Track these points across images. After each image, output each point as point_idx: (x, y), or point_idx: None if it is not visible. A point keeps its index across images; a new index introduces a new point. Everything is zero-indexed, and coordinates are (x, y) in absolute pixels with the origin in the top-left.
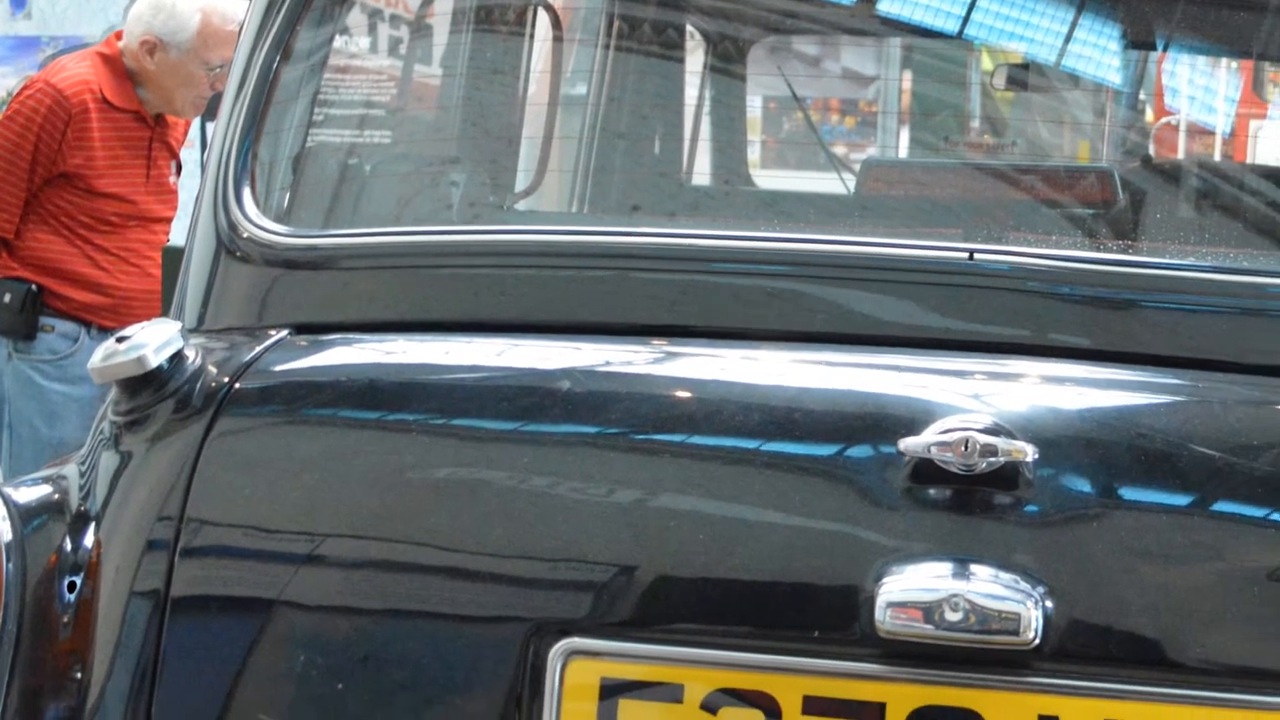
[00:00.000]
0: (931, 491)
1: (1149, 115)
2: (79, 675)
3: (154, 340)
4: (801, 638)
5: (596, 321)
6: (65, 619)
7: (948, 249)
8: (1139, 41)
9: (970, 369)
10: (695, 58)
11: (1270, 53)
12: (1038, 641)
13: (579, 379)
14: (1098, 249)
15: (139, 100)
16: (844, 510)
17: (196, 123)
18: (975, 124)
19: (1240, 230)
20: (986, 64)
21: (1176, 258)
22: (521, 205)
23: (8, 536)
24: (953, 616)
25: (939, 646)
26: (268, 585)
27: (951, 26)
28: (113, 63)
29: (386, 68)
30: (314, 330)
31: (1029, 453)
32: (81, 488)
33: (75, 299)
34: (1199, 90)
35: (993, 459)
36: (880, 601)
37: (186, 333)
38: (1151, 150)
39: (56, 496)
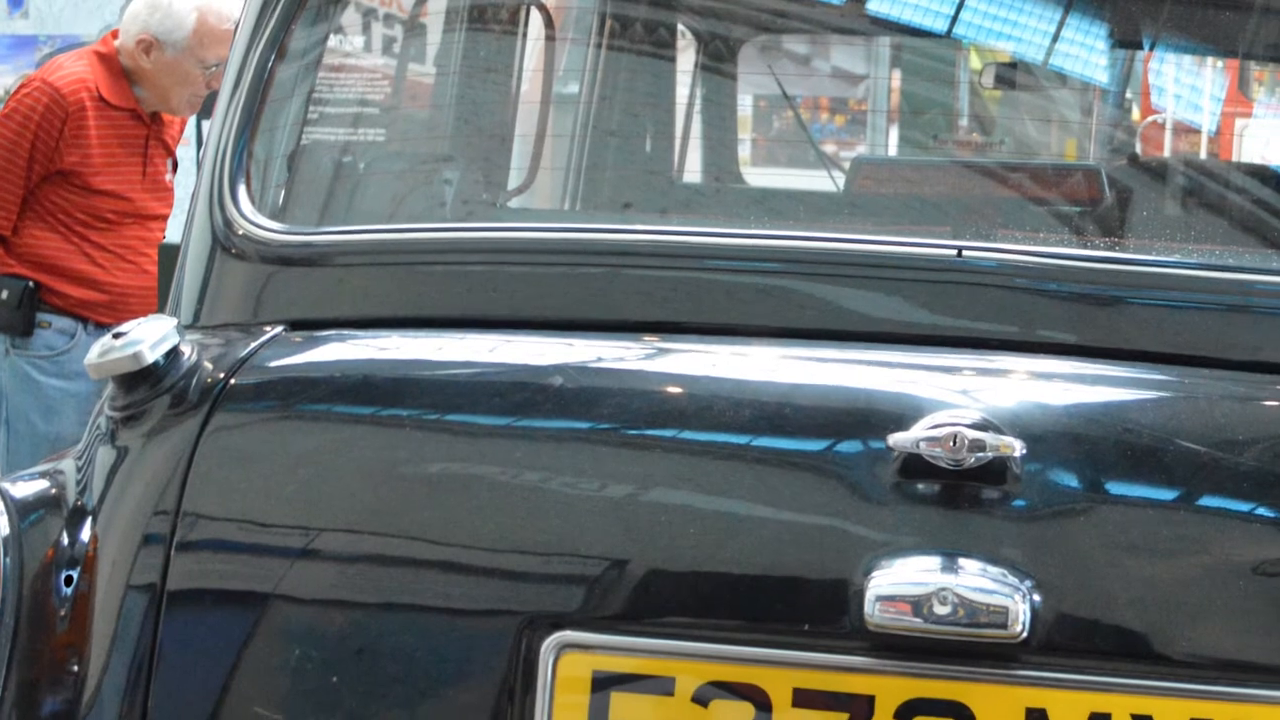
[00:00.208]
0: (920, 486)
1: (1135, 114)
2: (76, 668)
3: (150, 336)
4: (791, 631)
5: (588, 318)
6: (62, 613)
7: (936, 246)
8: (1126, 41)
9: (959, 365)
10: (686, 57)
11: (1255, 52)
12: (1025, 635)
13: (571, 375)
14: (1085, 246)
15: (135, 98)
16: (833, 505)
17: (192, 121)
18: (964, 122)
19: (1225, 228)
20: (975, 63)
21: (1162, 255)
22: (514, 203)
23: (5, 531)
24: (941, 610)
25: (928, 640)
26: (263, 579)
27: (940, 26)
28: (109, 61)
29: (380, 66)
30: (309, 326)
31: (1017, 448)
32: (78, 482)
33: (72, 295)
34: (1185, 89)
35: (981, 454)
36: (869, 595)
37: (182, 329)
38: (1138, 148)
39: (53, 491)
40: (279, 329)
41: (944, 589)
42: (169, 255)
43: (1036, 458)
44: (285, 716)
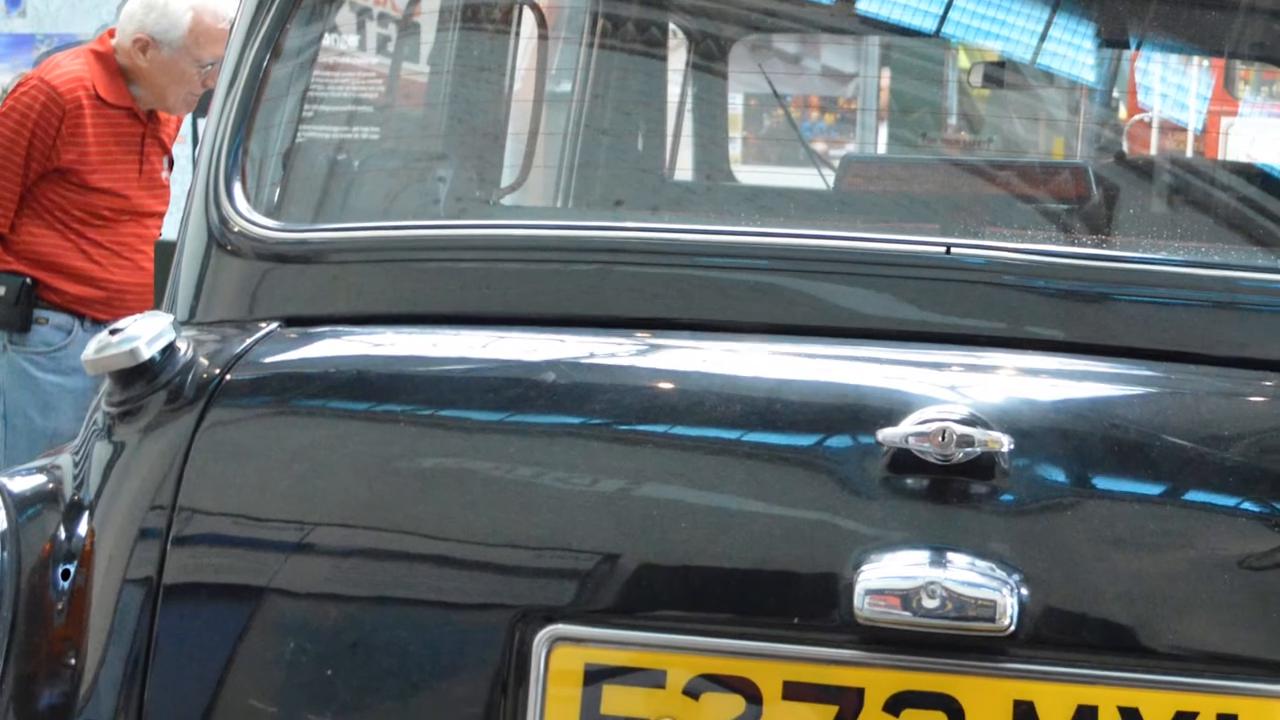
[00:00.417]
0: (909, 481)
1: (1123, 112)
2: (73, 661)
3: (146, 333)
4: (782, 624)
5: (581, 314)
6: (60, 606)
7: (925, 243)
8: (1113, 40)
9: (947, 361)
10: (678, 56)
11: (1241, 51)
12: (1013, 628)
13: (564, 371)
14: (1072, 243)
15: (132, 97)
16: (823, 499)
17: (188, 119)
18: (952, 121)
19: (1211, 225)
20: (963, 62)
21: (1149, 252)
22: (507, 200)
23: (3, 525)
24: (930, 604)
25: (916, 633)
26: (258, 573)
27: (929, 25)
28: (106, 60)
29: (375, 65)
30: (304, 323)
31: (1005, 443)
32: (75, 477)
33: (69, 292)
34: (1172, 88)
35: (969, 449)
36: (859, 589)
37: (178, 325)
38: (1125, 146)
39: (51, 486)
40: (274, 325)
41: (933, 583)
42: (165, 252)
43: (1024, 453)
44: (280, 709)
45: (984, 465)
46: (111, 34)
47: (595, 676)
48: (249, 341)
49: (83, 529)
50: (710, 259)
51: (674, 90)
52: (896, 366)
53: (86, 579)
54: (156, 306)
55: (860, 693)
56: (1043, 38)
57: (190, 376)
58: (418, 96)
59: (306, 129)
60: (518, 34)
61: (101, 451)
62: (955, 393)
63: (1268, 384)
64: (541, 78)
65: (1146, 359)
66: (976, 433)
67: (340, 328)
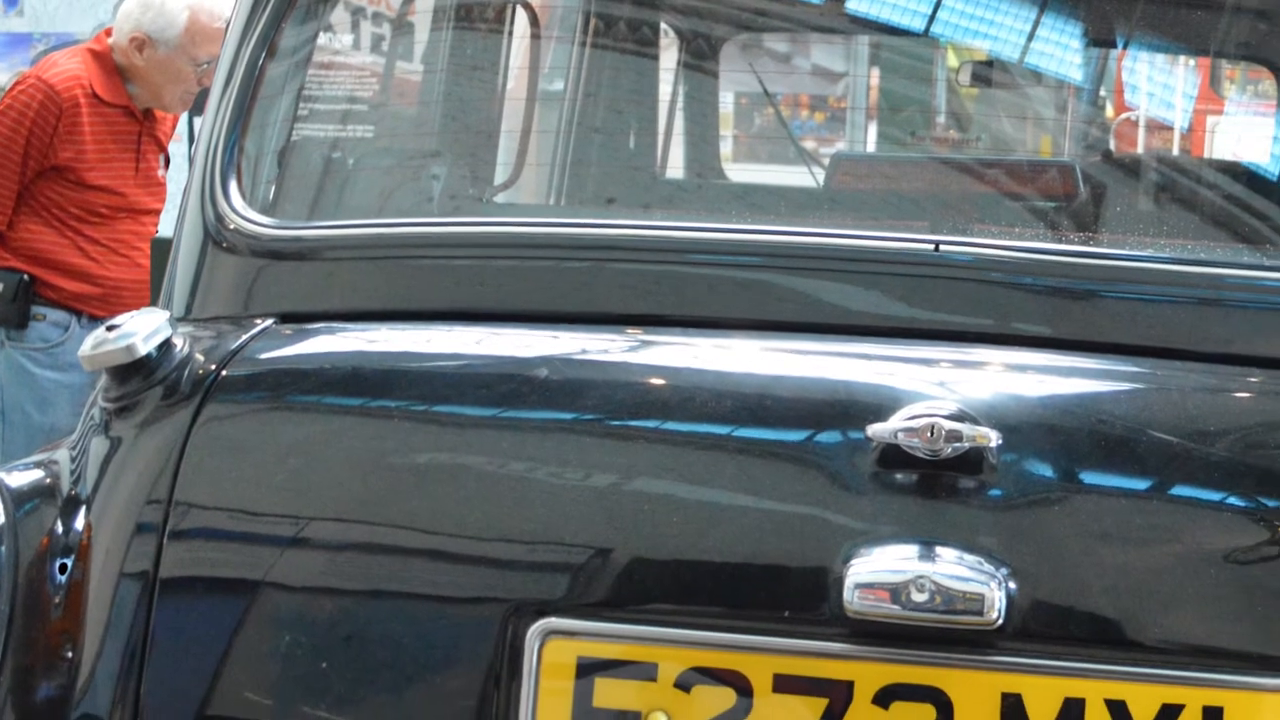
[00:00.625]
0: (898, 476)
1: (1109, 111)
2: (70, 655)
3: (143, 329)
4: (772, 618)
5: (573, 311)
6: (57, 600)
7: (914, 240)
8: (1100, 39)
9: (936, 357)
10: (669, 55)
11: (1227, 51)
12: (1001, 622)
13: (556, 367)
14: (1059, 241)
15: (128, 95)
16: (813, 494)
17: (184, 117)
18: (941, 119)
19: (1197, 223)
20: (952, 61)
21: (1136, 249)
22: (500, 198)
23: (1, 520)
24: (919, 597)
25: (905, 626)
26: (254, 567)
27: (918, 25)
28: (103, 59)
29: (369, 64)
30: (299, 319)
31: (993, 438)
32: (73, 472)
33: (66, 289)
34: (1158, 87)
35: (958, 444)
36: (849, 583)
37: (175, 321)
38: (1112, 145)
39: (48, 481)
40: (269, 322)
41: (921, 576)
42: (161, 249)
43: (1012, 448)
44: (275, 701)
45: (972, 460)
46: (108, 33)
47: (587, 669)
48: (244, 338)
49: (80, 523)
50: (702, 256)
51: (665, 89)
52: (885, 363)
53: (83, 573)
54: (153, 303)
55: (850, 685)
56: (1030, 37)
57: (186, 372)
58: (412, 95)
59: (301, 127)
60: (511, 33)
61: (98, 447)
62: (944, 388)
63: (1252, 380)
64: (534, 76)
65: (1133, 355)
66: (965, 428)
67: (335, 324)
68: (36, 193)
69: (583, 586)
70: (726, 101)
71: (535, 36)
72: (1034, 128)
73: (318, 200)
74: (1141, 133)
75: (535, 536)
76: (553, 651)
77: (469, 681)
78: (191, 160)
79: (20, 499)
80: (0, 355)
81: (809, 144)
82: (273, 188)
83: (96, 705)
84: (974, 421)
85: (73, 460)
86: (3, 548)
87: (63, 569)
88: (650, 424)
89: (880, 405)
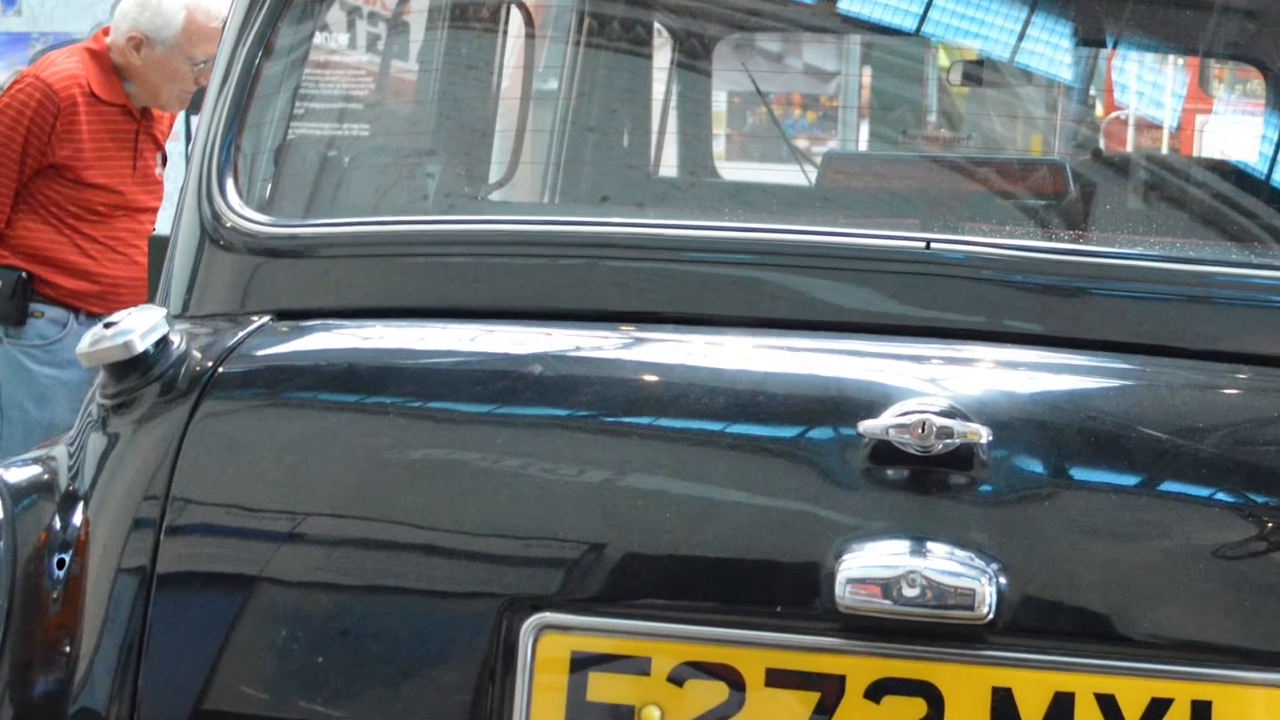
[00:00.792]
0: (890, 472)
1: (1099, 110)
2: (68, 649)
3: (140, 326)
4: (764, 613)
5: (567, 308)
6: (55, 595)
7: (906, 238)
8: (1090, 39)
9: (927, 354)
10: (662, 54)
11: (1215, 50)
12: (991, 616)
13: (550, 363)
14: (1050, 239)
15: (126, 94)
16: (805, 490)
17: (181, 116)
18: (932, 118)
19: (1186, 221)
20: (943, 61)
21: (1125, 247)
22: (495, 196)
23: None
24: (910, 592)
25: (897, 621)
26: (250, 562)
27: (909, 24)
28: (100, 58)
29: (365, 63)
30: (295, 316)
31: (984, 435)
32: (70, 468)
33: (64, 286)
34: (1147, 86)
35: (949, 441)
36: (840, 578)
37: (172, 318)
38: (1102, 144)
39: (46, 476)
40: (266, 319)
41: (913, 572)
42: (159, 247)
43: (1002, 444)
44: (272, 696)
45: (963, 456)
46: (106, 32)
47: (581, 664)
48: (241, 335)
49: (78, 519)
50: (695, 254)
51: (659, 88)
52: (877, 359)
53: (81, 568)
54: (150, 300)
55: (841, 680)
56: (1021, 37)
57: (183, 369)
58: (407, 94)
59: (298, 126)
60: (505, 33)
61: (96, 443)
62: (935, 385)
63: (1240, 376)
64: (528, 76)
65: (1122, 352)
66: (956, 424)
67: (331, 321)
68: (34, 191)
69: (577, 582)
70: (719, 100)
71: (530, 36)
72: (1024, 127)
73: (314, 198)
74: (1131, 132)
75: (530, 532)
76: (547, 646)
77: (464, 676)
78: (188, 159)
79: (18, 494)
80: None
81: (801, 143)
82: (269, 186)
83: (94, 699)
84: (965, 418)
85: (70, 456)
86: (1, 543)
87: (61, 564)
88: (644, 420)
89: (872, 402)
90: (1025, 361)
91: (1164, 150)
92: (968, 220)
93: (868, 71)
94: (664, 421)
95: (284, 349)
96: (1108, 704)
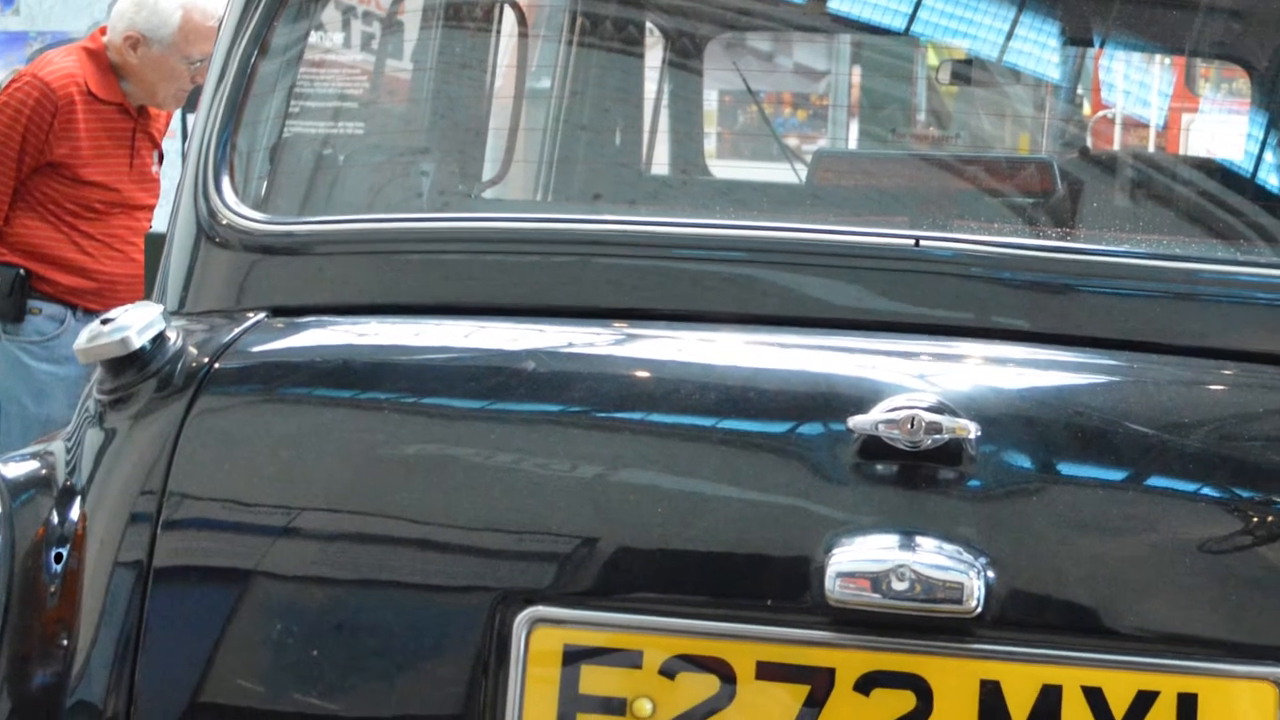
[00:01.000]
0: (879, 467)
1: (1086, 109)
2: (65, 642)
3: (137, 322)
4: (755, 606)
5: (560, 305)
6: (52, 589)
7: (895, 236)
8: (1077, 38)
9: (916, 350)
10: (654, 53)
11: (1202, 50)
12: (980, 610)
13: (543, 360)
14: (1037, 236)
15: (122, 93)
16: (795, 485)
17: (178, 114)
18: (921, 117)
19: (1172, 218)
20: (932, 60)
21: (1112, 244)
22: (488, 194)
23: None
24: (899, 586)
25: (886, 615)
26: (246, 556)
27: (899, 24)
28: (97, 57)
29: (359, 62)
30: (290, 313)
31: (972, 430)
32: (68, 463)
33: (62, 283)
34: (1134, 85)
35: (937, 436)
36: (830, 572)
37: (168, 315)
38: (1089, 142)
39: (44, 471)
40: (261, 315)
41: (902, 566)
42: (155, 244)
43: (990, 439)
44: (267, 689)
45: (951, 451)
46: (103, 31)
47: (574, 657)
48: (237, 331)
49: (75, 513)
50: (686, 251)
51: (651, 87)
52: (867, 356)
53: (78, 562)
54: (147, 297)
55: (831, 673)
56: (1009, 36)
57: (180, 365)
58: (401, 93)
59: (293, 124)
60: (499, 32)
61: (93, 438)
62: (924, 381)
63: (1226, 372)
64: (522, 75)
65: (1109, 348)
66: (944, 420)
67: (325, 318)
68: (32, 188)
69: (569, 576)
70: (710, 99)
71: (523, 35)
72: (1012, 125)
73: (309, 196)
74: (1118, 130)
75: (523, 527)
76: (540, 639)
77: (458, 668)
78: (185, 157)
79: (16, 489)
80: None
81: (791, 141)
82: (264, 184)
83: (91, 692)
84: (953, 413)
85: (68, 451)
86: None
87: (58, 558)
88: (636, 416)
89: (861, 397)
90: (1013, 358)
91: (1150, 149)
92: (956, 218)
93: (857, 70)
94: (656, 417)
95: (279, 345)
96: (1095, 697)
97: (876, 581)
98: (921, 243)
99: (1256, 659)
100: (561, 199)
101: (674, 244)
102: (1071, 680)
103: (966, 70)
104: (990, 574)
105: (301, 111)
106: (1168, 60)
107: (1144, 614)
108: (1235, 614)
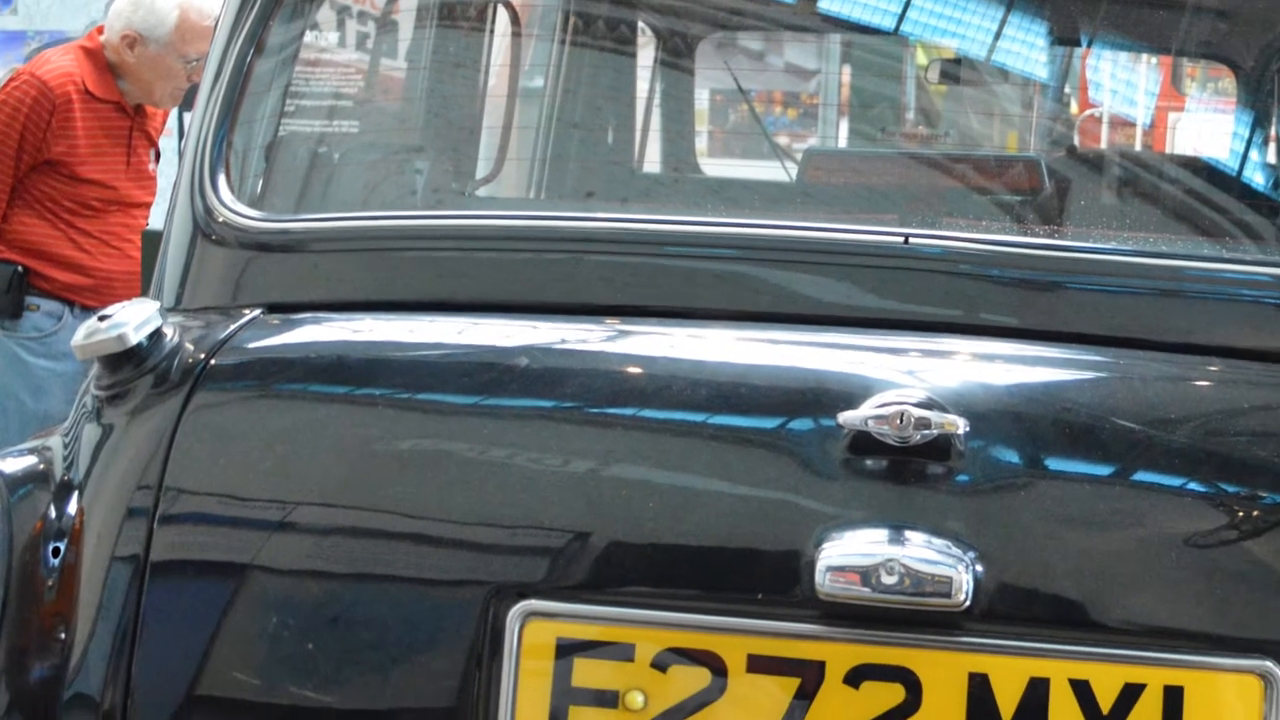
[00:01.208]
0: (868, 462)
1: (1074, 108)
2: (63, 636)
3: (134, 319)
4: (746, 600)
5: (553, 301)
6: (50, 583)
7: (884, 233)
8: (1065, 38)
9: (905, 347)
10: (646, 53)
11: (1188, 49)
12: (968, 604)
13: (536, 356)
14: (1025, 234)
15: (119, 91)
16: (786, 480)
17: (174, 113)
18: (910, 116)
19: (1159, 216)
20: (921, 59)
21: (1099, 242)
22: (482, 192)
23: None
24: (888, 580)
25: (875, 608)
26: (242, 551)
27: (888, 24)
28: (95, 56)
29: (354, 61)
30: (286, 310)
31: (960, 425)
32: (65, 458)
33: (59, 280)
34: (1121, 84)
35: (926, 431)
36: (820, 566)
37: (165, 312)
38: (1076, 141)
39: (42, 467)
40: (257, 312)
41: (891, 560)
42: (152, 241)
43: (979, 435)
44: (263, 682)
45: (940, 447)
46: (100, 31)
47: (566, 650)
48: (233, 327)
49: (72, 508)
50: (678, 248)
51: (643, 86)
52: (856, 352)
53: (76, 556)
54: (144, 294)
55: (821, 666)
56: (997, 36)
57: (176, 361)
58: (396, 92)
59: (288, 122)
60: (492, 31)
61: (90, 433)
62: (913, 377)
63: (1211, 369)
64: (515, 73)
65: (1096, 345)
66: (933, 415)
67: (321, 314)
68: (30, 186)
69: (562, 569)
70: (702, 98)
71: (516, 35)
72: (1001, 124)
73: (304, 194)
74: (1105, 129)
75: (516, 521)
76: (533, 633)
77: (451, 662)
78: (181, 155)
79: (14, 484)
80: None
81: (782, 139)
82: (260, 181)
83: (88, 685)
84: (942, 409)
85: (65, 447)
86: None
87: (55, 552)
88: (628, 411)
89: (851, 393)
90: (1001, 354)
91: (1137, 147)
92: (945, 215)
93: (847, 70)
94: (648, 412)
95: (275, 342)
96: (1082, 689)
97: (866, 575)
98: (911, 240)
99: (1242, 652)
100: (554, 197)
101: (666, 241)
102: (1059, 673)
103: (955, 69)
104: (979, 568)
105: (297, 110)
106: (1154, 60)
107: (1131, 607)
108: (1221, 608)
